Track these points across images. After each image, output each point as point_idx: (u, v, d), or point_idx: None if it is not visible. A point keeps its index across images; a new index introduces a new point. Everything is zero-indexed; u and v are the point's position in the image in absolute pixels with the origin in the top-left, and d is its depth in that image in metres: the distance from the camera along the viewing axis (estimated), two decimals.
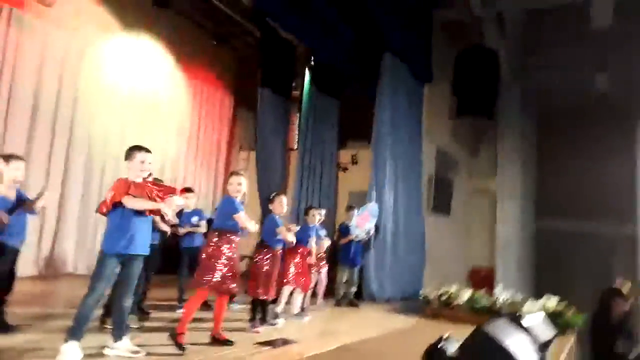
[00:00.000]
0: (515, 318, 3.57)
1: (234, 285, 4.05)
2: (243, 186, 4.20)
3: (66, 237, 8.01)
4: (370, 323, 5.99)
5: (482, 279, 10.14)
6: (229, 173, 4.41)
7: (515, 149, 11.19)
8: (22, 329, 3.87)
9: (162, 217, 4.74)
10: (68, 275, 7.84)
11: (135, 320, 4.47)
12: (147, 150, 3.51)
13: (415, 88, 9.49)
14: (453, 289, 6.95)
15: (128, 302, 3.39)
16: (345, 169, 10.70)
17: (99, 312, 3.99)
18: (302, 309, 5.76)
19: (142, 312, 4.97)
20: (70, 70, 8.14)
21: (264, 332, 4.75)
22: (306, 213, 6.07)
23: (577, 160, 11.16)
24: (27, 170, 7.20)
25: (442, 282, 7.44)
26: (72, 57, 8.18)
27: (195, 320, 4.04)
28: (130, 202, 3.24)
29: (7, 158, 3.88)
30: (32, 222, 4.35)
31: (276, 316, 5.27)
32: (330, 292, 7.12)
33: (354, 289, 7.23)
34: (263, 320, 4.94)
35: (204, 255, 4.05)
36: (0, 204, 3.71)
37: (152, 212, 3.43)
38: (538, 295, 7.52)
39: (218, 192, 10.89)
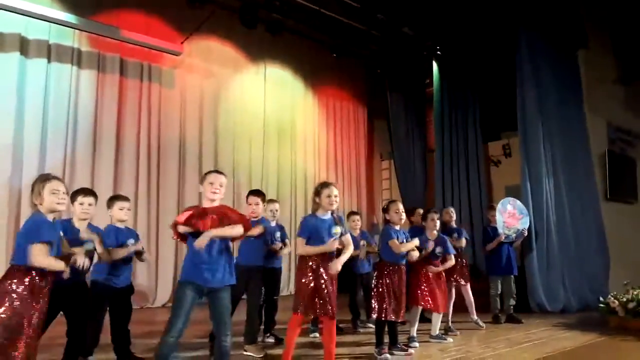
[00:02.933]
0: None
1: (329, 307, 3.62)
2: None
3: None
4: (530, 343, 5.01)
5: None
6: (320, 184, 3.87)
7: None
8: None
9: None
10: None
11: (257, 348, 4.36)
12: (219, 172, 3.30)
13: (565, 58, 8.09)
14: None
15: (222, 338, 3.10)
16: (497, 163, 9.61)
17: None
18: (445, 330, 5.10)
19: (274, 338, 4.89)
20: (208, 108, 8.78)
21: (394, 358, 4.26)
22: (424, 218, 5.16)
23: None
24: (182, 208, 8.09)
25: (636, 286, 6.00)
26: (208, 96, 8.83)
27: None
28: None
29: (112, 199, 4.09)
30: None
31: (411, 340, 4.73)
32: (485, 307, 6.26)
33: (512, 302, 6.22)
34: (393, 345, 4.44)
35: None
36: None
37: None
38: None
39: (363, 206, 10.67)
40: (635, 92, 9.32)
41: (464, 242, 5.80)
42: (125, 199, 4.12)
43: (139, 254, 4.01)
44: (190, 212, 3.11)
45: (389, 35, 9.16)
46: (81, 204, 3.63)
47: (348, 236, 3.84)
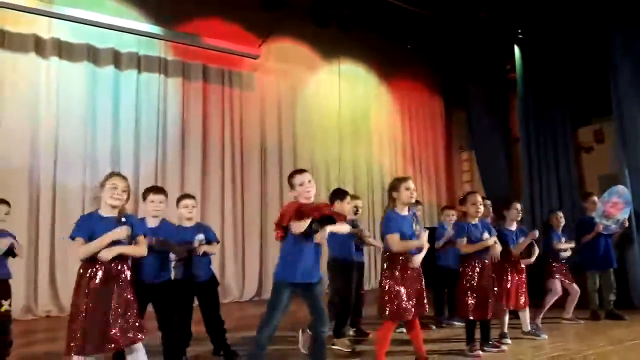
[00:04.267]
0: None
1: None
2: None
3: None
4: (636, 342, 4.67)
5: None
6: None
7: None
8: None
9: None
10: None
11: (345, 343, 4.42)
12: (301, 171, 3.31)
13: None
14: None
15: (322, 330, 3.18)
16: (589, 149, 8.99)
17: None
18: (537, 325, 4.88)
19: (361, 333, 4.93)
20: (286, 109, 9.00)
21: (486, 356, 4.14)
22: (507, 208, 4.87)
23: None
24: (265, 207, 8.38)
25: None
26: (285, 97, 9.03)
27: None
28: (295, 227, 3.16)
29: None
30: None
31: (503, 336, 4.57)
32: (583, 303, 5.90)
33: (612, 297, 5.81)
34: (485, 342, 4.32)
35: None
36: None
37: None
38: None
39: (442, 200, 10.43)
40: None
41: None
42: (189, 196, 4.20)
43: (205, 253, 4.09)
44: (299, 208, 3.11)
45: (465, 22, 8.84)
46: (152, 201, 3.74)
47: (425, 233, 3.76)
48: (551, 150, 8.55)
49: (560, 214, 5.68)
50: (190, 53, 8.06)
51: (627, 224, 6.01)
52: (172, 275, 3.88)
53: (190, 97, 8.00)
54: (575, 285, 5.59)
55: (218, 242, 4.43)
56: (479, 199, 4.34)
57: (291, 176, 3.30)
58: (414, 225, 3.69)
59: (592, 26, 7.53)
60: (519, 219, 4.91)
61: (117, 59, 7.41)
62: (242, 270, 8.06)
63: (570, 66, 8.58)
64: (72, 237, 2.89)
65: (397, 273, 3.62)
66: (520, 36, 8.72)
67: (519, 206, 4.90)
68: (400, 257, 3.63)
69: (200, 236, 4.10)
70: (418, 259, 3.64)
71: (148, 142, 7.50)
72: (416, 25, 9.23)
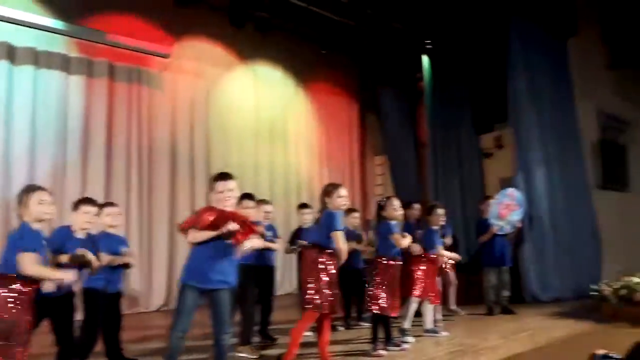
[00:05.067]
0: None
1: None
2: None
3: None
4: (525, 333, 5.06)
5: None
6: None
7: None
8: None
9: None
10: None
11: (250, 349, 4.38)
12: (226, 177, 3.32)
13: (555, 47, 8.12)
14: (635, 279, 5.58)
15: (221, 338, 3.20)
16: (490, 155, 9.61)
17: None
18: (436, 323, 5.14)
19: (268, 338, 4.91)
20: (199, 110, 8.71)
21: (389, 354, 4.29)
22: (429, 212, 5.25)
23: None
24: (174, 213, 8.09)
25: (628, 273, 6.05)
26: (199, 98, 8.75)
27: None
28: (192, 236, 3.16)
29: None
30: None
31: (404, 334, 4.76)
32: (480, 299, 6.32)
33: (506, 293, 6.26)
34: (387, 341, 4.47)
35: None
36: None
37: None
38: None
39: (357, 202, 10.67)
40: (625, 79, 9.35)
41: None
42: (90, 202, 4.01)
43: (126, 265, 4.02)
44: (214, 215, 3.13)
45: (379, 30, 9.14)
46: (86, 213, 3.67)
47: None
48: (456, 155, 9.06)
49: (439, 211, 5.45)
50: (96, 49, 7.59)
51: (520, 225, 6.49)
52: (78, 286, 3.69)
53: (94, 96, 7.54)
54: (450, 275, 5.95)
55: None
56: (398, 203, 4.59)
57: (215, 179, 3.28)
58: None
59: (492, 39, 8.05)
60: (442, 221, 5.23)
61: (11, 53, 6.83)
62: (149, 279, 7.69)
63: (474, 76, 9.15)
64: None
65: (323, 268, 3.77)
66: (428, 46, 9.14)
67: (440, 211, 5.20)
68: (324, 258, 3.79)
69: (124, 248, 4.04)
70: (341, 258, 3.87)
71: (45, 143, 6.96)
72: (333, 30, 9.41)
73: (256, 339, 4.75)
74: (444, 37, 8.97)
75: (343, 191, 3.93)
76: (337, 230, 3.78)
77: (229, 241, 3.14)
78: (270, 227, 4.98)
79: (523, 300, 6.83)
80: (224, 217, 3.13)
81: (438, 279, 5.08)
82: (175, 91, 8.52)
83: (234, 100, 9.25)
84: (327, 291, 3.75)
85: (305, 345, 4.43)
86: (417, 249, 4.79)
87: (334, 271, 3.82)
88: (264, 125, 9.62)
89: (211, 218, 3.12)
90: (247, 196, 4.71)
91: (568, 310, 6.24)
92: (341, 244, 3.77)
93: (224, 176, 3.32)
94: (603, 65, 9.23)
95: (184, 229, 3.22)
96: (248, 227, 3.23)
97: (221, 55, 9.16)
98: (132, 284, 7.33)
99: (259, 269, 4.67)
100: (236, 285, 4.51)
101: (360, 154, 11.42)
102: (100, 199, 6.96)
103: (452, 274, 6.08)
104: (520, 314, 6.11)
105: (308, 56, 10.21)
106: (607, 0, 8.41)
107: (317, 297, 3.72)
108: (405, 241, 4.46)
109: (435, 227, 5.16)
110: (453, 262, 5.77)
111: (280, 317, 5.34)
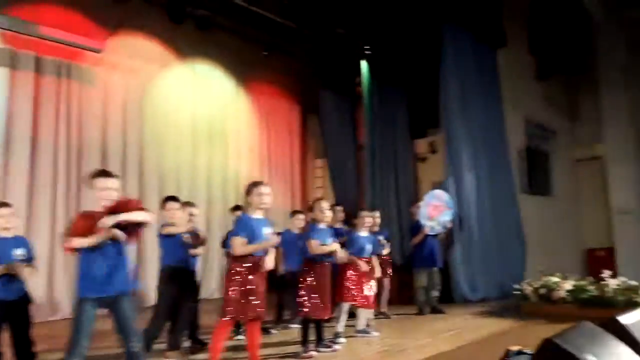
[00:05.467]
0: (612, 322, 2.84)
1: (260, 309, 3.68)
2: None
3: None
4: (452, 332, 5.26)
5: (601, 262, 8.70)
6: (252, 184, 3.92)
7: (622, 102, 9.54)
8: None
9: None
10: None
11: (179, 355, 4.28)
12: (106, 174, 3.11)
13: (486, 56, 8.51)
14: (552, 279, 5.94)
15: (131, 344, 2.99)
16: (424, 160, 9.92)
17: None
18: (369, 322, 5.24)
19: (198, 342, 4.81)
20: (133, 108, 8.42)
21: (320, 356, 4.32)
22: (356, 217, 5.33)
23: None
24: None
25: (549, 272, 6.42)
26: (133, 95, 8.46)
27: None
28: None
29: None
30: None
31: (337, 336, 4.81)
32: (411, 299, 6.51)
33: (436, 293, 6.48)
34: (319, 342, 4.51)
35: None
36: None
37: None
38: None
39: (297, 205, 10.69)
40: (550, 89, 9.94)
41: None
42: (4, 205, 3.82)
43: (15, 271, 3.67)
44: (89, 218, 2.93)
45: (320, 34, 9.22)
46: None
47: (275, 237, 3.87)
48: (392, 159, 9.28)
49: (364, 213, 5.54)
50: (21, 41, 7.15)
51: (449, 226, 6.74)
52: None
53: (18, 89, 7.10)
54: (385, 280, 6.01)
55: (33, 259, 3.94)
56: (326, 205, 4.59)
57: (93, 176, 3.08)
58: (264, 229, 3.75)
59: (427, 45, 8.29)
60: (369, 225, 5.26)
61: None
62: (64, 286, 7.17)
63: (411, 82, 9.42)
64: None
65: (238, 276, 3.62)
66: (367, 52, 9.32)
67: (366, 215, 5.26)
68: (243, 263, 3.64)
69: (19, 251, 3.72)
70: (269, 261, 3.75)
71: None
72: (275, 32, 9.38)
73: (186, 344, 4.65)
74: (383, 42, 9.16)
75: (264, 189, 3.79)
76: (234, 235, 3.69)
77: (122, 240, 2.96)
78: (193, 232, 4.73)
79: (453, 300, 7.09)
80: (111, 211, 2.92)
81: (371, 283, 5.09)
82: (109, 88, 8.19)
83: (171, 99, 9.01)
84: (237, 298, 3.59)
85: (237, 348, 4.42)
86: (342, 255, 4.66)
87: (251, 277, 3.63)
88: (202, 125, 9.43)
89: (89, 223, 2.91)
90: (171, 198, 4.61)
91: (493, 309, 6.55)
92: (236, 249, 3.65)
93: (104, 173, 3.13)
94: (531, 76, 9.76)
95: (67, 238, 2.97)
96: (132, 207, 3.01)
97: (158, 52, 8.90)
98: (58, 290, 6.97)
99: (180, 272, 4.48)
100: (162, 290, 4.46)
101: (302, 157, 11.46)
102: (23, 200, 6.67)
103: (386, 280, 6.15)
104: (450, 313, 6.34)
105: (250, 57, 10.11)
106: (534, 14, 8.88)
107: (227, 305, 3.62)
108: (323, 249, 4.39)
109: (362, 232, 5.17)
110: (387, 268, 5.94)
111: (210, 321, 5.24)
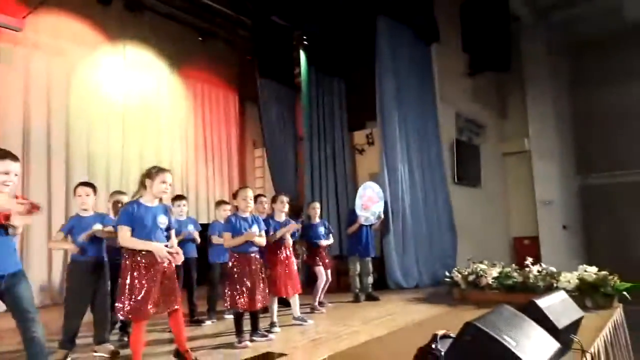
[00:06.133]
0: (530, 305, 3.01)
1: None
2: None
3: None
4: (384, 318, 5.37)
5: (527, 250, 9.24)
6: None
7: (546, 100, 10.14)
8: None
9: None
10: None
11: (109, 349, 4.09)
12: (6, 157, 2.78)
13: (420, 51, 8.72)
14: (480, 266, 6.22)
15: (33, 330, 2.75)
16: (362, 151, 10.07)
17: None
18: (311, 309, 5.26)
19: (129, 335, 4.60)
20: (58, 93, 7.94)
21: (254, 345, 4.27)
22: (273, 200, 5.19)
23: (617, 98, 9.97)
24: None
25: (478, 260, 6.71)
26: (58, 79, 7.98)
27: None
28: None
29: None
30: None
31: (272, 325, 4.78)
32: (348, 286, 6.60)
33: (370, 280, 6.61)
34: (254, 332, 4.45)
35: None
36: None
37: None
38: (590, 259, 6.72)
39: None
40: (480, 85, 10.37)
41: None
42: None
43: None
44: None
45: (259, 22, 9.08)
46: None
47: (173, 231, 3.67)
48: (331, 150, 9.34)
49: (315, 204, 6.20)
50: None
51: (382, 217, 6.89)
52: None
53: None
54: (324, 272, 5.98)
55: None
56: (250, 194, 4.46)
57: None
58: (159, 217, 3.51)
59: (364, 37, 8.36)
60: (286, 210, 5.18)
61: None
62: None
63: (349, 73, 9.51)
64: None
65: (136, 269, 3.41)
66: (305, 42, 9.28)
67: (284, 199, 5.18)
68: (139, 257, 3.42)
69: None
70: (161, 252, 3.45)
71: None
72: (211, 18, 9.14)
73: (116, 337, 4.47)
74: (321, 32, 9.17)
75: (168, 177, 3.54)
76: (118, 225, 3.43)
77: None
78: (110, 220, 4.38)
79: (387, 287, 7.27)
80: None
81: (294, 269, 5.07)
82: (30, 70, 7.66)
83: (99, 82, 8.58)
84: (134, 295, 3.34)
85: (170, 341, 4.28)
86: (260, 240, 4.41)
87: (152, 270, 3.40)
88: (133, 112, 9.03)
89: None
90: (85, 184, 4.31)
91: (426, 295, 6.77)
92: (122, 241, 3.40)
93: (6, 155, 2.80)
94: (463, 72, 10.13)
95: None
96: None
97: (85, 32, 8.43)
98: None
99: (95, 264, 4.19)
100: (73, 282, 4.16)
101: (240, 146, 11.28)
102: None
103: (328, 272, 6.13)
104: (384, 300, 6.49)
105: (185, 42, 9.80)
106: (466, 11, 9.20)
107: (120, 304, 3.37)
108: (234, 242, 4.27)
109: (280, 218, 5.08)
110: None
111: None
